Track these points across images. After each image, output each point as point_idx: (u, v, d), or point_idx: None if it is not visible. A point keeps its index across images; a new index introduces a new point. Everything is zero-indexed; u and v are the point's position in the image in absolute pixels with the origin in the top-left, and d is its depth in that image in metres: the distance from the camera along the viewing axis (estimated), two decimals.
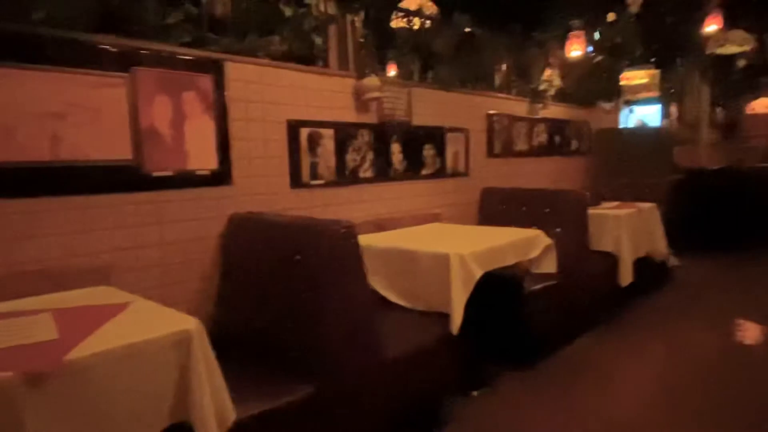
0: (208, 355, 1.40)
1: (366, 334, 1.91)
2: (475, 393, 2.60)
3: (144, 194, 2.05)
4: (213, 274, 2.25)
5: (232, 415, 1.41)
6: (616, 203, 4.12)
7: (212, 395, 1.37)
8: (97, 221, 1.93)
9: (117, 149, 1.97)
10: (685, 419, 2.37)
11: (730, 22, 5.25)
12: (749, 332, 3.55)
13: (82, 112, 1.87)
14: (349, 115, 2.87)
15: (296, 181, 2.61)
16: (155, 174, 2.07)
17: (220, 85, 2.26)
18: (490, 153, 3.95)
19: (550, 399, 2.59)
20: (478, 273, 2.28)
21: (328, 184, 2.76)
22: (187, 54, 2.17)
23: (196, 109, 2.19)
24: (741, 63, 7.43)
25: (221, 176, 2.29)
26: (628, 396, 2.69)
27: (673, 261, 4.42)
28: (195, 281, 2.21)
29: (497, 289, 2.76)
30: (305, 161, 2.64)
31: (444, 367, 2.29)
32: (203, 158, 2.23)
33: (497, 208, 3.66)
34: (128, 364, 1.25)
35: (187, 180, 2.17)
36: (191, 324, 1.36)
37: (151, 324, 1.40)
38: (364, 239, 2.60)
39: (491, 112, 3.93)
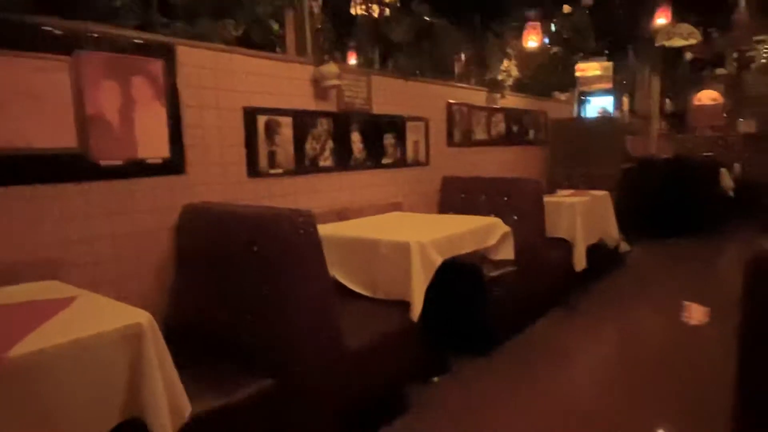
0: (161, 349, 1.36)
1: (327, 324, 1.90)
2: (436, 379, 2.63)
3: (92, 184, 1.96)
4: (167, 267, 2.19)
5: (187, 410, 1.38)
6: (571, 191, 4.24)
7: (166, 390, 1.33)
8: (43, 213, 1.83)
9: (61, 137, 1.87)
10: (637, 395, 2.48)
11: (678, 16, 5.46)
12: (694, 314, 3.74)
13: (22, 97, 1.77)
14: (308, 103, 2.83)
15: (254, 170, 2.55)
16: (103, 163, 1.99)
17: (171, 70, 2.18)
18: (450, 142, 3.98)
19: (510, 382, 2.65)
20: (438, 260, 2.31)
21: (286, 173, 2.71)
22: (136, 37, 2.08)
23: (146, 95, 2.11)
24: (688, 56, 7.75)
25: (174, 165, 2.22)
26: (585, 376, 2.79)
27: (624, 247, 4.59)
28: (148, 274, 2.14)
29: (457, 276, 2.80)
30: (263, 150, 2.58)
31: (405, 354, 2.31)
32: (154, 146, 2.15)
33: (457, 196, 3.70)
34: (75, 360, 1.20)
35: (137, 169, 2.09)
36: (142, 318, 1.32)
37: (101, 318, 1.35)
38: (325, 229, 2.58)
39: (451, 101, 3.96)
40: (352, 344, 2.01)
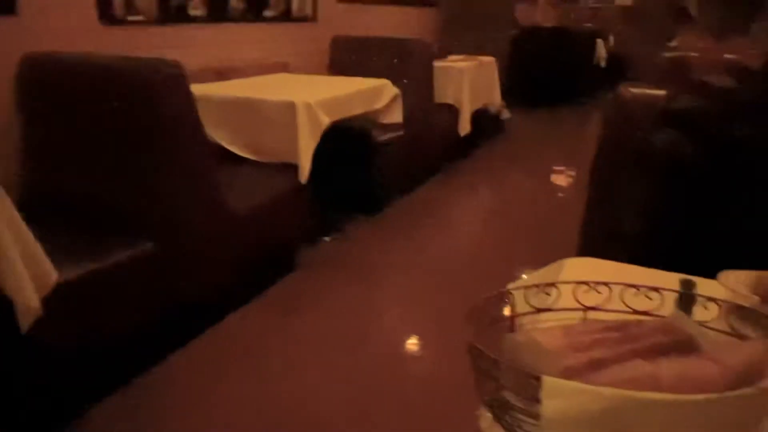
0: (13, 217, 1.20)
1: (206, 187, 1.81)
2: (327, 238, 2.71)
3: None
4: (9, 130, 1.88)
5: (52, 277, 1.28)
6: (461, 56, 4.23)
7: (25, 260, 1.21)
8: None
9: None
10: (507, 248, 2.77)
11: None
12: (563, 177, 4.14)
13: None
14: None
15: (107, 16, 2.17)
16: None
17: None
18: None
19: (397, 240, 2.81)
20: (326, 121, 2.24)
21: (149, 22, 2.35)
22: None
23: None
24: None
25: (1, 3, 1.81)
26: (464, 230, 3.05)
27: (505, 114, 4.81)
28: None
29: (347, 139, 2.77)
30: None
31: (295, 216, 2.32)
32: None
33: (347, 58, 3.52)
34: None
35: None
36: None
37: None
38: (202, 88, 2.35)
39: None
40: (239, 207, 1.96)
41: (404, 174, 3.27)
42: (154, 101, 1.57)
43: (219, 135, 2.32)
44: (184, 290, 1.74)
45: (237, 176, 2.16)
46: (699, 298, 0.59)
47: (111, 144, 1.67)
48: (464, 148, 4.05)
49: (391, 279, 2.43)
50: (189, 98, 1.66)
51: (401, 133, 3.03)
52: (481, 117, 4.10)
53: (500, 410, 0.47)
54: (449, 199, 3.47)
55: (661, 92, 1.03)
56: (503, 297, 0.55)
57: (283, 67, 3.11)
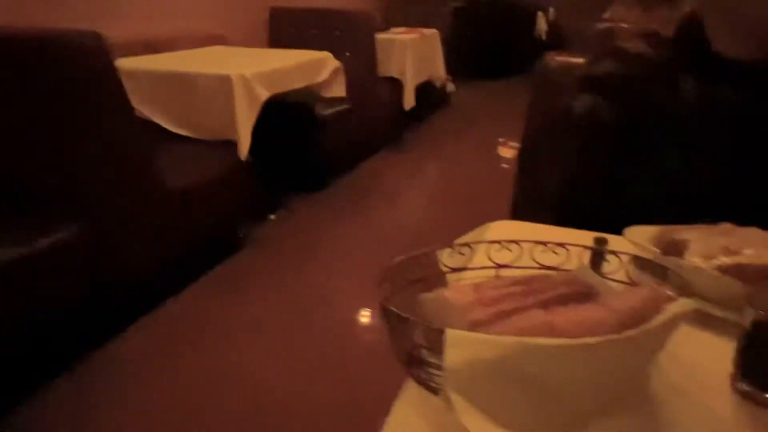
0: None
1: (136, 164, 1.73)
2: (272, 216, 2.67)
3: None
4: None
5: None
6: (404, 29, 4.20)
7: None
8: None
9: None
10: (456, 216, 2.82)
11: None
12: (507, 148, 4.23)
13: None
14: None
15: None
16: None
17: None
18: None
19: (343, 215, 2.81)
20: (264, 95, 2.18)
21: None
22: None
23: None
24: None
25: None
26: (410, 203, 3.08)
27: (450, 87, 4.84)
28: None
29: (289, 114, 2.72)
30: None
31: (236, 194, 2.27)
32: None
33: (288, 31, 3.43)
34: None
35: None
36: None
37: None
38: (131, 62, 2.24)
39: None
40: (175, 186, 1.90)
41: (349, 149, 3.25)
42: (71, 74, 1.48)
43: (152, 111, 2.22)
44: (116, 273, 1.68)
45: (174, 154, 2.09)
46: (608, 253, 0.63)
47: (28, 120, 1.56)
48: (410, 121, 4.06)
49: (337, 255, 2.43)
50: (110, 70, 1.57)
51: (345, 107, 3.00)
52: (425, 90, 4.12)
53: (415, 367, 0.48)
54: (395, 173, 3.49)
55: (582, 59, 1.06)
56: (418, 259, 0.56)
57: (219, 40, 2.99)
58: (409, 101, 3.77)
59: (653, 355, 0.49)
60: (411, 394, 0.50)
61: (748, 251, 0.60)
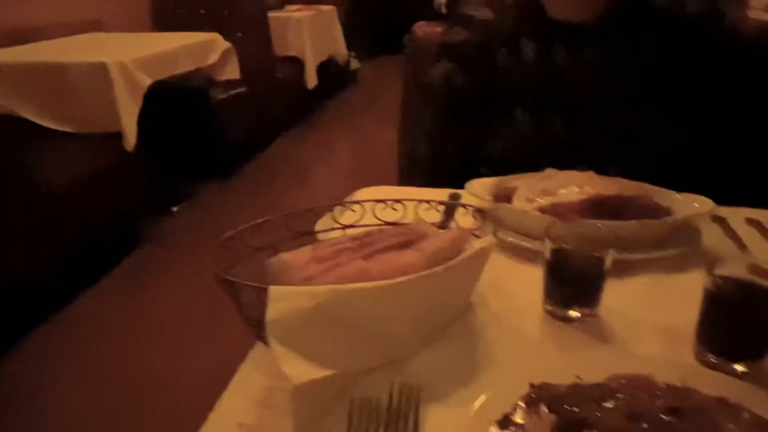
0: None
1: (6, 167, 1.61)
2: (175, 208, 2.58)
3: None
4: None
5: None
6: (298, 6, 4.12)
7: None
8: None
9: None
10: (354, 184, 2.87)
11: None
12: None
13: None
14: None
15: None
16: None
17: None
18: None
19: (252, 200, 2.76)
20: (146, 82, 2.08)
21: None
22: None
23: None
24: None
25: None
26: (320, 184, 3.08)
27: (354, 63, 4.84)
28: None
29: (181, 99, 2.61)
30: None
31: (128, 187, 2.17)
32: None
33: (173, 13, 3.26)
34: None
35: None
36: None
37: None
38: None
39: None
40: (55, 184, 1.78)
41: (252, 132, 3.18)
42: None
43: (22, 107, 2.05)
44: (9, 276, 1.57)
45: (55, 151, 1.95)
46: (460, 205, 0.68)
47: None
48: (315, 101, 4.03)
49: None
50: None
51: (241, 89, 2.93)
52: (329, 68, 4.09)
53: (256, 328, 0.51)
54: (303, 154, 3.47)
55: (440, 28, 1.12)
56: (256, 228, 0.58)
57: (95, 26, 2.79)
58: (311, 80, 3.73)
59: (466, 287, 0.55)
60: (256, 355, 0.53)
61: (562, 191, 0.68)
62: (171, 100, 2.48)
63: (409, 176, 1.19)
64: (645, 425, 0.36)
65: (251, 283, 0.48)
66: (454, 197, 0.78)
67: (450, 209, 0.69)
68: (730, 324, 0.47)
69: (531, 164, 0.83)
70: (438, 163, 1.07)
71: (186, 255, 2.25)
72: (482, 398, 0.43)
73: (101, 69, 1.95)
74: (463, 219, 0.63)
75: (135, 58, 2.05)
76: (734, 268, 0.49)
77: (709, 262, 0.49)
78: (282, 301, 0.45)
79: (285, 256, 0.54)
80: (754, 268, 0.49)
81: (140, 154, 2.12)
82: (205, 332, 1.79)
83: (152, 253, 2.23)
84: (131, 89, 2.01)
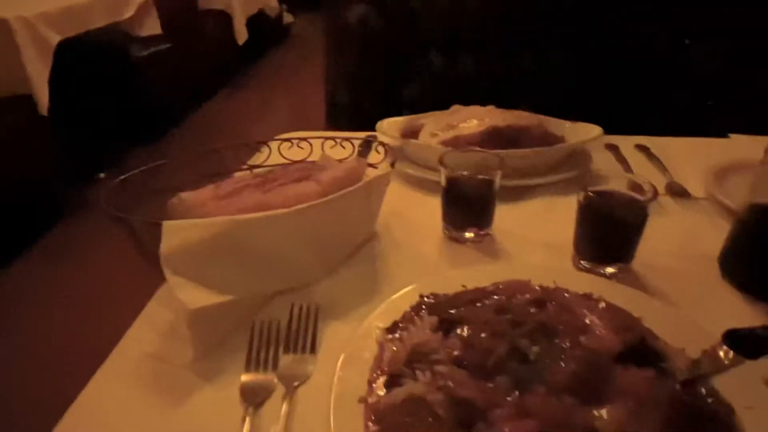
0: None
1: None
2: (102, 175, 2.46)
3: None
4: None
5: None
6: None
7: None
8: None
9: None
10: None
11: None
12: None
13: None
14: None
15: None
16: None
17: None
18: None
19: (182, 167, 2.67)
20: (55, 39, 1.93)
21: None
22: None
23: None
24: None
25: None
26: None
27: (287, 18, 4.67)
28: None
29: (98, 58, 2.45)
30: None
31: (45, 154, 2.04)
32: None
33: None
34: None
35: None
36: None
37: None
38: None
39: None
40: None
41: (180, 92, 3.05)
42: None
43: None
44: None
45: None
46: (374, 144, 0.69)
47: None
48: (247, 58, 3.88)
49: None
50: None
51: (165, 46, 2.77)
52: (261, 23, 3.92)
53: (156, 266, 0.51)
54: (237, 114, 3.36)
55: None
56: (157, 170, 0.58)
57: None
58: (241, 35, 3.57)
59: (364, 214, 0.57)
60: (163, 292, 0.54)
61: (463, 125, 0.71)
62: (88, 58, 2.33)
63: (334, 122, 1.20)
64: (509, 316, 0.39)
65: (144, 219, 0.48)
66: (371, 138, 0.80)
67: (365, 149, 0.70)
68: (599, 232, 0.52)
69: (447, 105, 0.85)
70: (359, 107, 1.07)
71: (108, 224, 2.17)
72: (376, 311, 0.46)
73: (3, 25, 1.79)
74: (378, 158, 0.65)
75: (40, 13, 1.89)
76: (615, 185, 0.53)
77: (592, 181, 0.53)
78: (175, 234, 0.45)
79: (185, 195, 0.54)
80: (633, 185, 0.54)
81: (57, 119, 1.99)
82: (133, 301, 1.75)
83: (74, 223, 2.13)
84: (38, 48, 1.86)
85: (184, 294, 0.43)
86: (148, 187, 0.58)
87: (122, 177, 0.55)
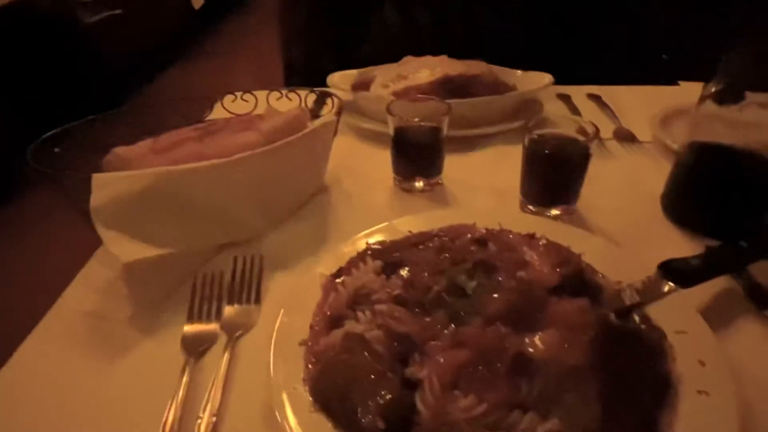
0: None
1: None
2: (56, 149, 2.36)
3: None
4: None
5: None
6: None
7: None
8: None
9: None
10: None
11: None
12: None
13: None
14: None
15: None
16: None
17: None
18: None
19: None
20: None
21: None
22: None
23: None
24: None
25: None
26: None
27: None
28: None
29: (40, 25, 2.32)
30: None
31: None
32: None
33: None
34: None
35: None
36: None
37: None
38: None
39: None
40: None
41: (136, 61, 2.92)
42: None
43: None
44: None
45: None
46: (328, 99, 0.67)
47: None
48: (207, 24, 3.73)
49: None
50: None
51: (116, 11, 2.64)
52: None
53: (89, 221, 0.49)
54: (199, 83, 3.24)
55: None
56: (89, 125, 0.55)
57: None
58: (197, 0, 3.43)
59: (308, 165, 0.55)
60: (102, 252, 0.52)
61: (414, 75, 0.69)
62: (32, 26, 2.20)
63: (291, 83, 1.16)
64: (447, 255, 0.39)
65: (74, 173, 0.46)
66: (317, 90, 0.78)
67: (318, 105, 0.69)
68: (543, 174, 0.52)
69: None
70: (315, 66, 1.04)
71: (58, 201, 2.09)
72: (324, 260, 0.45)
73: None
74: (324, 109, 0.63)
75: None
76: (563, 130, 0.53)
77: (540, 126, 0.53)
78: (106, 187, 0.43)
79: (120, 150, 0.52)
80: (579, 129, 0.53)
81: (2, 90, 1.89)
82: (78, 267, 1.70)
83: (34, 198, 2.05)
84: None
85: (117, 247, 0.42)
86: (85, 145, 0.55)
87: (51, 132, 0.52)
